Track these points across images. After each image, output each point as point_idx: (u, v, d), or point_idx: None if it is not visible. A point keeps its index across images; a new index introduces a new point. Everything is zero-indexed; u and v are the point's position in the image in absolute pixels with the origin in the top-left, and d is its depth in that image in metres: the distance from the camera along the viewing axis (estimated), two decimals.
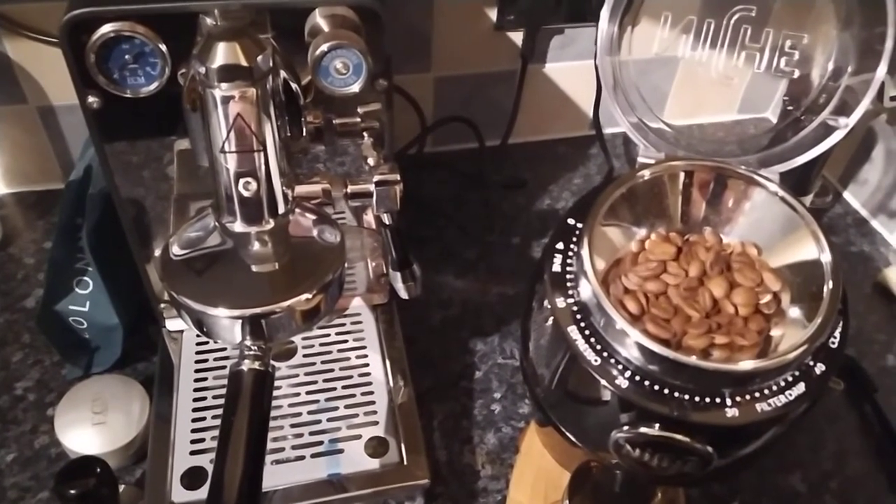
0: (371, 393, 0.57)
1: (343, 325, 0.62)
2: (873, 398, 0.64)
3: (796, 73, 0.42)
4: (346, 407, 0.56)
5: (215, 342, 0.55)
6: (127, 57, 0.44)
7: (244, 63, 0.41)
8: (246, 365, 0.41)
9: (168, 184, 0.60)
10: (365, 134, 0.54)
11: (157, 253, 0.57)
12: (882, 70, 0.39)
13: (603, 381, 0.33)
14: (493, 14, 0.77)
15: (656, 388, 0.32)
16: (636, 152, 0.46)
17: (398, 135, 0.82)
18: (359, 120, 0.54)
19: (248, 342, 0.41)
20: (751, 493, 0.58)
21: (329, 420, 0.55)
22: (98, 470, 0.48)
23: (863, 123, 0.79)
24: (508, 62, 0.81)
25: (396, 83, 0.78)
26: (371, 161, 0.52)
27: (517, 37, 0.79)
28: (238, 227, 0.44)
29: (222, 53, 0.41)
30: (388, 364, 0.60)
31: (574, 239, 0.37)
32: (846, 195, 0.85)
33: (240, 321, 0.41)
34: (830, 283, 0.33)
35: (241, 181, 0.43)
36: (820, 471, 0.60)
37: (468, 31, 0.78)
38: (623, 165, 0.86)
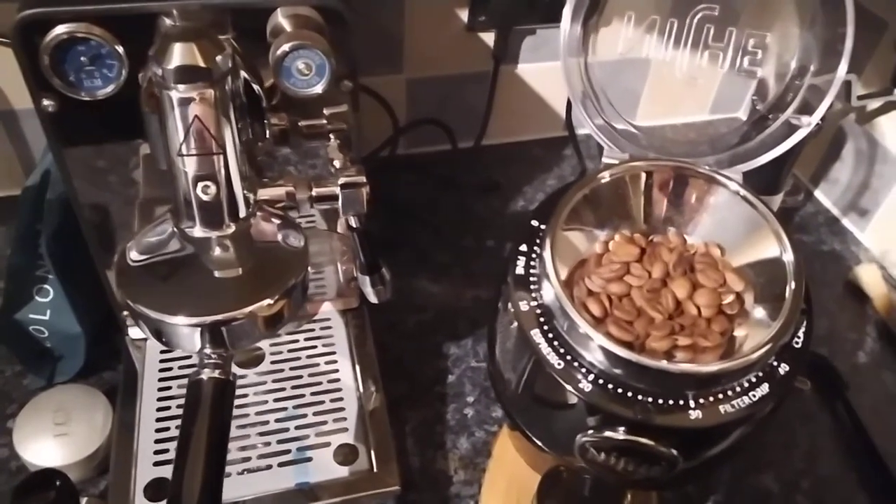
0: (341, 399, 0.56)
1: (312, 330, 0.61)
2: (845, 396, 0.65)
3: (759, 73, 0.42)
4: (315, 414, 0.55)
5: (175, 351, 0.54)
6: (83, 59, 0.43)
7: (202, 64, 0.40)
8: (206, 374, 0.40)
9: (131, 188, 0.58)
10: (331, 136, 0.54)
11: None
12: (843, 69, 0.39)
13: (567, 386, 0.32)
14: (464, 15, 0.76)
15: (620, 391, 0.32)
16: None
17: (370, 137, 0.82)
18: (325, 122, 0.53)
19: (207, 350, 0.40)
20: (724, 493, 0.58)
21: (297, 428, 0.54)
22: (58, 483, 0.46)
23: (833, 123, 0.79)
24: (481, 63, 0.80)
25: (369, 85, 0.78)
26: (337, 163, 0.51)
27: (489, 38, 0.79)
28: (198, 231, 0.43)
29: (179, 54, 0.40)
30: (358, 370, 0.59)
31: (537, 241, 0.36)
32: (817, 194, 0.85)
33: (199, 329, 0.40)
34: (793, 284, 0.33)
35: (200, 185, 0.42)
36: (792, 470, 0.60)
37: (440, 32, 0.77)
38: (597, 166, 0.86)
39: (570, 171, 0.86)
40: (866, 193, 0.79)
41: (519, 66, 0.82)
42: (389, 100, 0.78)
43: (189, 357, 0.58)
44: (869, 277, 0.73)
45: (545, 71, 0.83)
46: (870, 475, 0.60)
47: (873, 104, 0.75)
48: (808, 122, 0.40)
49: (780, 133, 0.41)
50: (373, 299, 0.56)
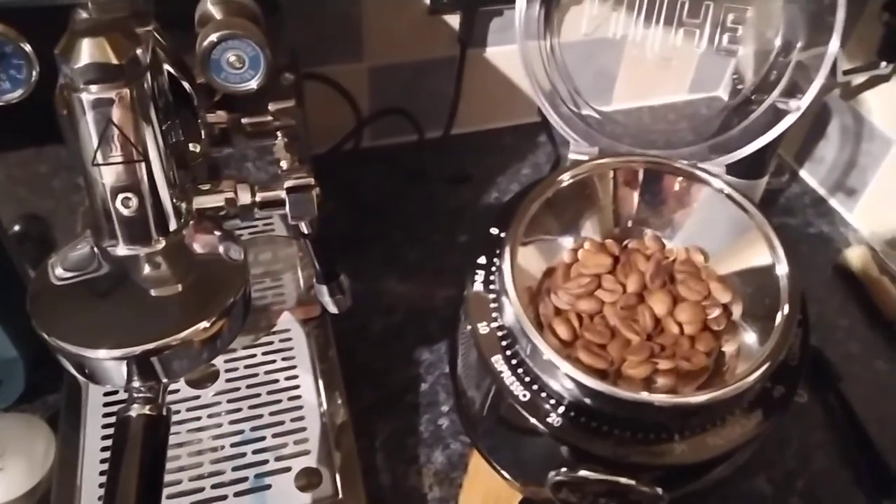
0: (302, 419, 0.52)
1: (271, 343, 0.57)
2: (838, 388, 0.62)
3: (741, 51, 0.37)
4: (275, 436, 0.51)
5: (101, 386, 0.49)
6: None
7: (114, 61, 0.35)
8: (135, 410, 0.35)
9: (71, 195, 0.54)
10: (279, 134, 0.49)
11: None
12: (835, 44, 0.35)
13: (533, 420, 0.28)
14: None
15: (594, 424, 0.28)
16: None
17: (332, 130, 0.77)
18: (271, 118, 0.49)
19: (137, 384, 0.36)
20: (714, 499, 0.55)
21: (255, 452, 0.50)
22: None
23: (817, 99, 0.75)
24: (446, 48, 0.76)
25: (328, 75, 0.73)
26: (284, 164, 0.47)
27: (454, 20, 0.74)
28: (121, 250, 0.38)
29: (87, 51, 0.35)
30: (320, 385, 0.55)
31: (497, 252, 0.32)
32: (803, 174, 0.82)
33: (124, 362, 0.36)
34: (786, 308, 0.29)
35: (120, 197, 0.37)
36: (785, 470, 0.57)
37: (401, 16, 0.73)
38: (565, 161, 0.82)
39: (546, 159, 0.82)
40: (853, 172, 0.76)
41: (487, 49, 0.78)
42: (350, 90, 0.74)
43: None
44: (858, 260, 0.70)
45: (515, 54, 0.78)
46: (866, 470, 0.57)
47: (859, 79, 0.71)
48: (797, 107, 0.36)
49: (766, 119, 0.37)
50: (332, 309, 0.52)
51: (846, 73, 0.65)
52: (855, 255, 0.71)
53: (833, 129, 0.76)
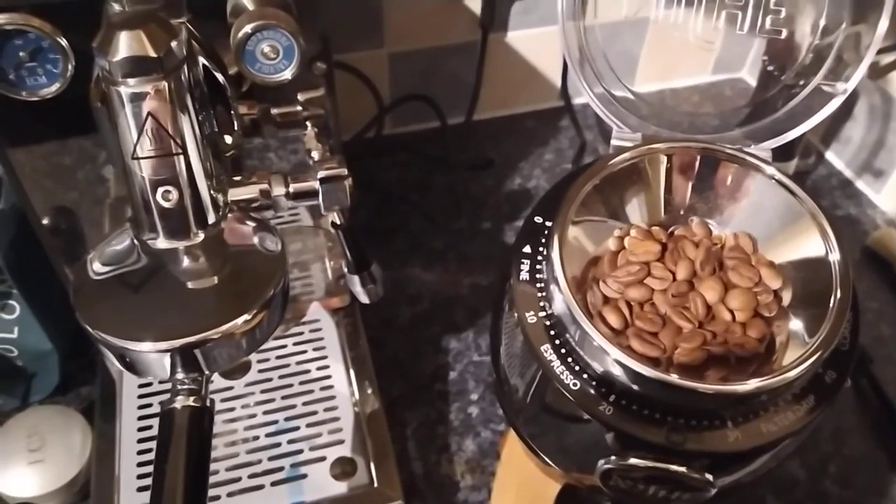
0: (335, 408, 0.52)
1: (301, 333, 0.57)
2: (869, 370, 0.61)
3: (784, 34, 0.37)
4: (309, 426, 0.51)
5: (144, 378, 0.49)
6: (22, 54, 0.38)
7: (152, 53, 0.35)
8: (179, 402, 0.36)
9: (99, 187, 0.54)
10: (308, 123, 0.49)
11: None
12: (884, 23, 0.34)
13: (584, 409, 0.28)
14: None
15: (646, 412, 0.28)
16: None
17: (354, 117, 0.77)
18: (300, 108, 0.49)
19: (180, 375, 0.36)
20: (747, 485, 0.55)
21: (290, 442, 0.50)
22: None
23: None
24: (467, 33, 0.75)
25: (348, 62, 0.72)
26: (316, 154, 0.47)
27: (475, 4, 0.73)
28: (161, 243, 0.38)
29: (125, 44, 0.35)
30: (352, 374, 0.55)
31: (543, 241, 0.32)
32: (829, 155, 0.81)
33: (168, 354, 0.36)
34: (839, 292, 0.28)
35: (160, 190, 0.37)
36: (818, 453, 0.57)
37: (421, 1, 0.72)
38: (595, 137, 0.81)
39: (568, 143, 0.81)
40: (881, 153, 0.75)
41: (509, 33, 0.77)
42: (371, 77, 0.73)
43: None
44: (888, 242, 0.70)
45: (537, 37, 0.78)
46: None
47: (887, 58, 0.70)
48: (844, 89, 0.35)
49: (810, 102, 0.37)
50: (364, 300, 0.51)
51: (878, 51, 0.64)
52: (883, 237, 0.70)
53: (860, 110, 0.75)
